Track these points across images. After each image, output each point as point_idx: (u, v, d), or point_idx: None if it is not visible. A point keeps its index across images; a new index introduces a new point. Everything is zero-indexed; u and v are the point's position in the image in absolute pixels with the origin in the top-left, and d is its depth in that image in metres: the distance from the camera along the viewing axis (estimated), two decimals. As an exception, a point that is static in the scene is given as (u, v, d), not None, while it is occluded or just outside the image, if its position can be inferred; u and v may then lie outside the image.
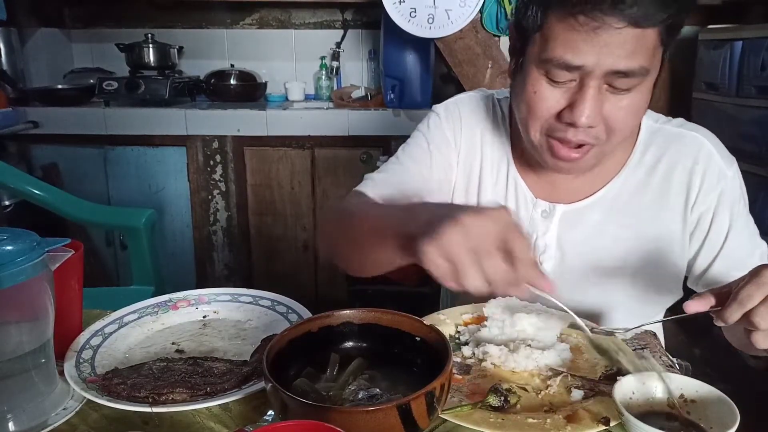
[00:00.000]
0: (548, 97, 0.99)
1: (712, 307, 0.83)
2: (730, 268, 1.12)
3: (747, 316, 0.78)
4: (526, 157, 1.18)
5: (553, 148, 1.03)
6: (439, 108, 1.28)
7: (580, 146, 1.01)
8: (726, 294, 0.81)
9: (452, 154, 1.25)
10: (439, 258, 0.75)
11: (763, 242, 1.16)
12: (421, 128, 1.28)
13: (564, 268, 1.18)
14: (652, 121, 1.17)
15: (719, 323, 0.81)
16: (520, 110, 1.05)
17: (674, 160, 1.13)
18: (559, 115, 0.99)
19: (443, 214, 0.76)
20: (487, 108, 1.26)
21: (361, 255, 1.06)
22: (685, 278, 1.20)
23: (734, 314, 0.79)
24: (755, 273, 0.79)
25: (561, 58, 0.93)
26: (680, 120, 1.19)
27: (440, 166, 1.23)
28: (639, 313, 1.16)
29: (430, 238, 0.75)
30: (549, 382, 0.87)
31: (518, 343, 0.94)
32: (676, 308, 1.21)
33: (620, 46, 0.90)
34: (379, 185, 1.19)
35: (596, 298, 1.16)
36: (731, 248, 1.12)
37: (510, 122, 1.22)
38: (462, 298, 1.26)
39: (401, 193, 1.17)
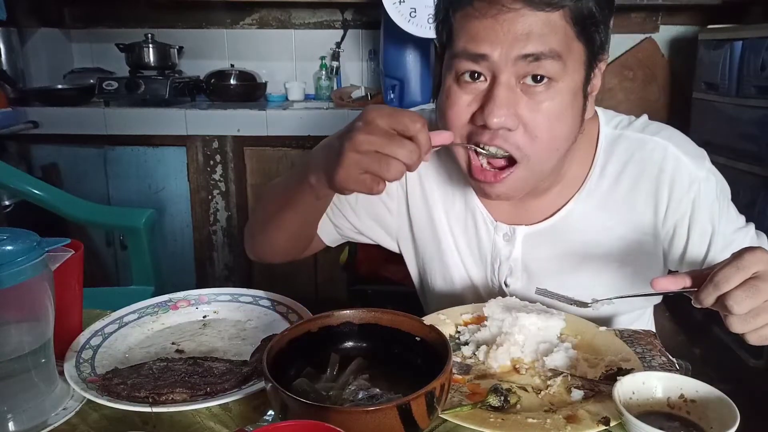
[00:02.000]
0: (459, 101, 0.95)
1: (685, 288, 0.82)
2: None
3: (722, 299, 0.77)
4: None
5: (472, 170, 0.98)
6: None
7: (502, 168, 0.96)
8: (705, 276, 0.80)
9: (395, 186, 1.20)
10: (357, 174, 0.83)
11: (750, 226, 1.12)
12: None
13: (532, 289, 1.12)
14: (611, 128, 1.11)
15: (696, 305, 0.80)
16: (440, 120, 1.01)
17: (639, 170, 1.07)
18: (473, 119, 0.94)
19: (333, 144, 0.85)
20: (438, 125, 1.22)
21: (278, 223, 1.12)
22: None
23: (709, 296, 0.78)
24: (736, 255, 0.78)
25: (464, 49, 0.91)
26: (642, 121, 1.12)
27: (373, 203, 1.21)
28: (617, 326, 1.15)
29: (338, 168, 0.83)
30: (549, 383, 0.87)
31: (503, 337, 0.94)
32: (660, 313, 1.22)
33: (524, 31, 0.87)
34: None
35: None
36: (719, 248, 1.08)
37: None
38: (432, 299, 1.26)
39: (335, 229, 1.24)
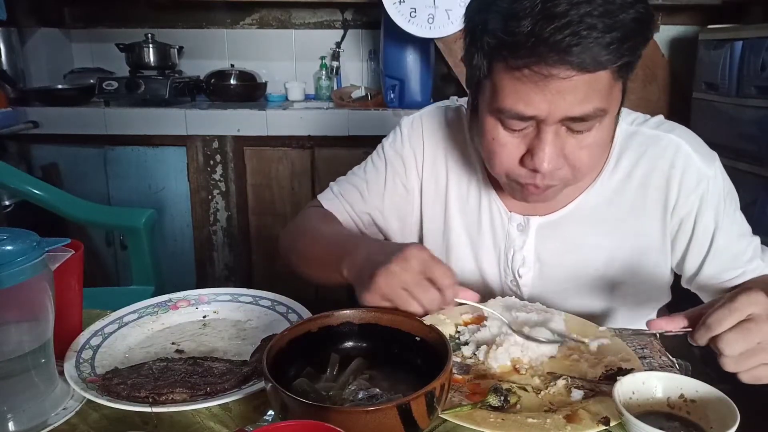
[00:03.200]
0: (507, 144, 0.98)
1: (683, 328, 0.83)
2: (722, 269, 1.11)
3: (714, 342, 0.78)
4: None
5: (522, 188, 1.03)
6: (404, 124, 1.28)
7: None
8: (700, 315, 0.81)
9: (412, 177, 1.26)
10: (379, 301, 0.90)
11: (756, 238, 1.14)
12: (384, 145, 1.29)
13: (544, 280, 1.17)
14: (627, 123, 1.14)
15: (692, 343, 0.81)
16: (482, 152, 1.05)
17: (651, 165, 1.10)
18: (521, 161, 0.98)
19: (373, 261, 0.91)
20: (455, 122, 1.25)
21: (309, 272, 1.20)
22: (680, 278, 1.20)
23: (703, 338, 0.79)
24: (731, 297, 0.78)
25: (512, 108, 0.92)
26: (657, 119, 1.15)
27: (395, 191, 1.27)
28: (624, 322, 1.16)
29: (367, 290, 0.90)
30: (549, 385, 0.87)
31: (503, 337, 0.94)
32: (669, 311, 1.22)
33: (572, 92, 0.88)
34: (334, 202, 1.30)
35: (579, 308, 1.14)
36: (721, 248, 1.10)
37: None
38: None
39: (350, 216, 1.28)
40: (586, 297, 1.16)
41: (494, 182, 1.18)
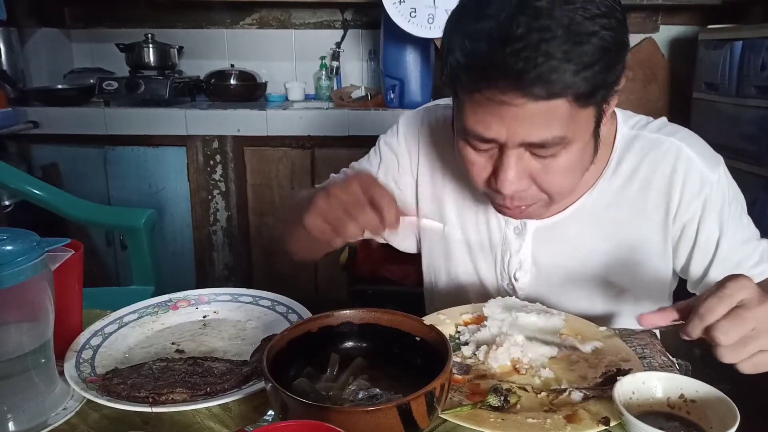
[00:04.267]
0: (475, 163, 0.97)
1: (674, 321, 0.81)
2: (726, 272, 1.10)
3: (708, 331, 0.75)
4: None
5: (497, 207, 1.03)
6: (402, 121, 1.28)
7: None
8: (691, 307, 0.78)
9: (405, 175, 1.26)
10: (318, 222, 0.90)
11: (763, 241, 1.12)
12: (381, 140, 1.30)
13: (541, 283, 1.16)
14: (628, 128, 1.12)
15: (685, 337, 0.78)
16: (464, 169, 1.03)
17: (652, 170, 1.08)
18: (488, 182, 0.98)
19: (318, 190, 0.93)
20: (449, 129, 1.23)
21: (290, 238, 1.23)
22: (684, 282, 1.19)
23: (696, 329, 0.76)
24: (719, 284, 0.76)
25: (473, 130, 0.92)
26: (660, 122, 1.13)
27: (386, 183, 1.23)
28: (623, 326, 1.15)
29: (307, 211, 0.91)
30: (549, 389, 0.87)
31: (503, 337, 0.94)
32: None
33: (528, 119, 0.86)
34: None
35: (577, 312, 1.11)
36: (726, 253, 1.08)
37: None
38: (444, 298, 1.27)
39: None
40: (584, 301, 1.15)
41: None
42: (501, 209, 1.03)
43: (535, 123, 0.86)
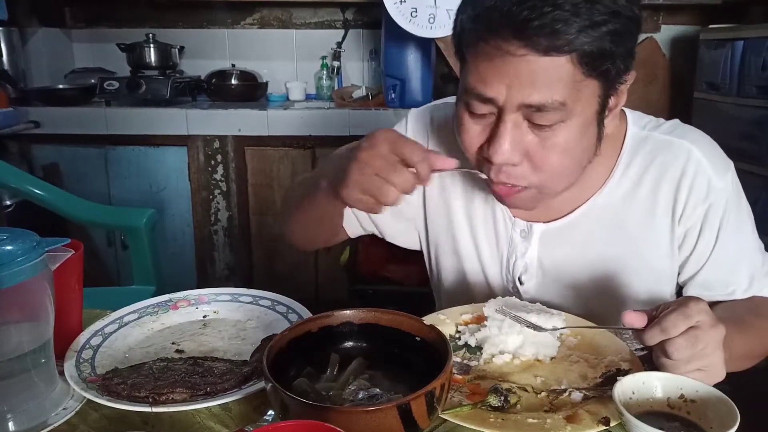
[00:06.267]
0: (469, 130, 0.96)
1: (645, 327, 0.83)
2: (712, 278, 1.10)
3: (662, 344, 0.80)
4: None
5: (490, 183, 0.99)
6: (410, 118, 1.25)
7: (514, 186, 0.97)
8: (653, 316, 0.82)
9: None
10: (358, 194, 0.88)
11: (760, 256, 1.12)
12: None
13: (547, 288, 1.15)
14: (638, 128, 1.10)
15: (639, 343, 0.83)
16: (458, 141, 1.02)
17: (661, 171, 1.06)
18: (480, 150, 0.96)
19: (342, 157, 0.90)
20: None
21: (301, 217, 1.19)
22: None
23: (654, 339, 0.80)
24: (682, 303, 0.80)
25: (474, 88, 0.90)
26: (672, 124, 1.11)
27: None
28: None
29: (343, 185, 0.88)
30: (549, 390, 0.87)
31: (504, 338, 0.95)
32: None
33: (529, 77, 0.85)
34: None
35: (585, 317, 1.12)
36: (716, 259, 1.08)
37: None
38: (452, 296, 1.27)
39: (357, 219, 1.25)
40: (590, 306, 1.13)
41: None
42: (495, 191, 1.00)
43: (535, 82, 0.85)
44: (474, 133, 0.95)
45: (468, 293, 1.23)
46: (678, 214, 1.07)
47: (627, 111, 1.11)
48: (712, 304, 1.07)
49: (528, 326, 0.93)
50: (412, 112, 1.26)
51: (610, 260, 1.11)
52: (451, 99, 1.21)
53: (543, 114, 0.87)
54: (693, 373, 0.80)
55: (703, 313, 0.79)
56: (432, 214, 1.24)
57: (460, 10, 0.92)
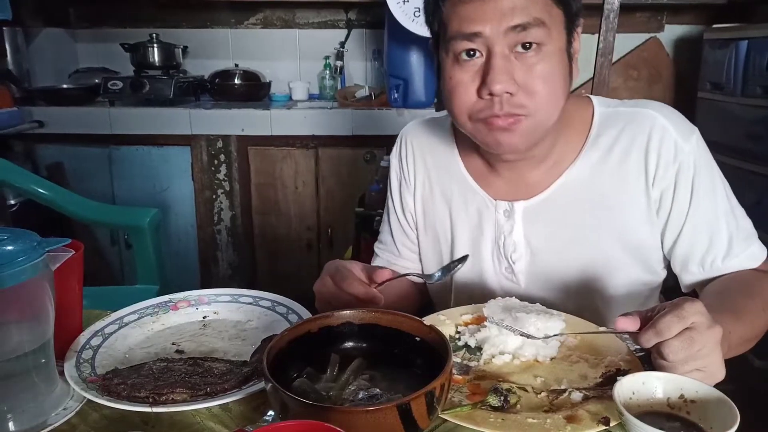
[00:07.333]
0: (463, 78, 1.04)
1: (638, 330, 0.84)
2: (692, 244, 1.12)
3: (658, 346, 0.81)
4: (479, 161, 1.22)
5: (488, 125, 1.05)
6: (393, 158, 1.37)
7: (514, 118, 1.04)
8: (647, 317, 0.83)
9: (409, 198, 1.34)
10: (323, 306, 1.05)
11: (743, 220, 1.13)
12: (389, 184, 1.39)
13: (537, 264, 1.19)
14: (604, 107, 1.17)
15: (635, 345, 0.84)
16: (447, 103, 1.10)
17: (629, 140, 1.12)
18: (479, 93, 1.03)
19: (323, 275, 1.05)
20: (431, 130, 1.32)
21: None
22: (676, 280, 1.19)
23: (650, 341, 0.81)
24: (677, 304, 0.81)
25: (459, 31, 1.00)
26: (635, 100, 1.19)
27: (408, 217, 1.35)
28: (626, 301, 1.15)
29: (317, 283, 1.06)
30: (549, 390, 0.87)
31: (504, 338, 0.95)
32: (667, 291, 1.22)
33: (510, 5, 0.97)
34: (378, 261, 1.41)
35: (577, 291, 1.16)
36: (695, 222, 1.11)
37: (455, 134, 1.27)
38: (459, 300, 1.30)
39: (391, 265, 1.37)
40: (583, 279, 1.16)
41: (476, 174, 1.22)
42: (493, 127, 1.05)
43: (516, 8, 0.97)
44: (468, 81, 1.03)
45: (466, 286, 1.26)
46: (651, 178, 1.11)
47: (592, 97, 1.21)
48: (701, 285, 1.12)
49: (521, 335, 0.94)
50: (393, 155, 1.37)
51: (591, 230, 1.15)
52: (416, 122, 1.37)
53: (528, 32, 0.98)
54: (691, 373, 0.81)
55: (699, 314, 0.80)
56: (421, 221, 1.33)
57: None
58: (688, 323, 0.79)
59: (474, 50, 1.01)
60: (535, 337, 0.94)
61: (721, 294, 1.08)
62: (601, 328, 1.00)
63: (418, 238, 1.35)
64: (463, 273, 1.25)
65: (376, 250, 1.42)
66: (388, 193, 1.38)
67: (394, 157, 1.36)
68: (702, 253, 1.12)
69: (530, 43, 0.99)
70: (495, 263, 1.22)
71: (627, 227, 1.14)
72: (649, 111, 1.13)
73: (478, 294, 1.23)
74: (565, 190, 1.15)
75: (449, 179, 1.26)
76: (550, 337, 0.95)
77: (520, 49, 1.00)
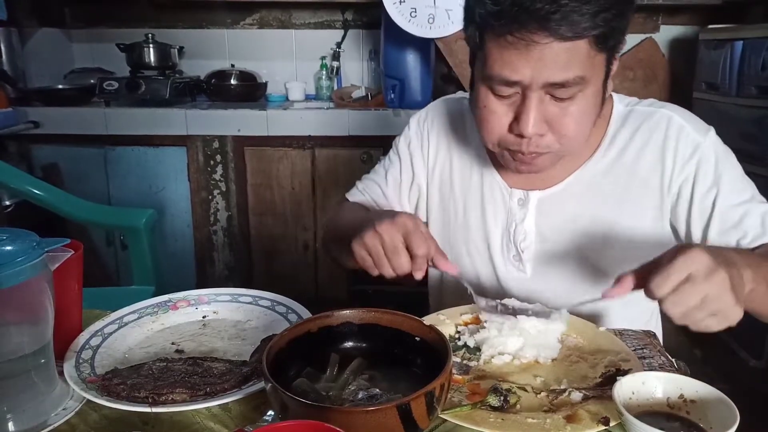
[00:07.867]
0: (496, 111, 1.04)
1: (634, 289, 0.84)
2: (725, 232, 1.11)
3: (660, 302, 0.80)
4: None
5: (513, 154, 1.07)
6: (413, 121, 1.39)
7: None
8: (649, 271, 0.82)
9: (420, 167, 1.36)
10: (362, 251, 0.99)
11: (763, 205, 1.13)
12: (398, 142, 1.40)
13: (546, 254, 1.21)
14: (623, 105, 1.20)
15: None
16: (476, 122, 1.11)
17: (645, 138, 1.15)
18: (510, 128, 1.04)
19: (369, 223, 0.99)
20: (458, 112, 1.33)
21: (341, 254, 1.26)
22: None
23: (651, 296, 0.80)
24: (669, 259, 0.80)
25: (499, 74, 0.99)
26: (650, 100, 1.21)
27: (408, 180, 1.37)
28: (633, 295, 1.15)
29: (357, 239, 0.99)
30: (549, 390, 0.87)
31: (503, 339, 0.95)
32: None
33: (553, 59, 0.94)
34: (360, 198, 1.41)
35: (584, 282, 1.18)
36: (723, 210, 1.11)
37: None
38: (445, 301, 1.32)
39: (373, 204, 1.39)
40: (591, 270, 1.18)
41: (495, 161, 1.24)
42: (517, 160, 1.07)
43: (558, 62, 0.94)
44: (501, 114, 1.04)
45: (472, 270, 1.29)
46: (667, 176, 1.14)
47: (613, 94, 1.22)
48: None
49: (514, 313, 0.96)
50: (413, 118, 1.40)
51: (602, 224, 1.17)
52: (446, 96, 1.39)
53: (566, 89, 0.98)
54: (705, 320, 0.79)
55: (695, 264, 0.78)
56: (435, 201, 1.35)
57: (477, 5, 0.98)
58: (683, 276, 0.78)
59: (510, 93, 1.01)
60: (528, 311, 0.96)
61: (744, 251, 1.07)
62: (602, 328, 1.00)
63: (427, 214, 1.37)
64: (474, 262, 1.28)
65: (357, 187, 1.43)
66: (393, 152, 1.41)
67: (414, 123, 1.38)
68: (737, 237, 1.11)
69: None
70: (504, 250, 1.25)
71: (638, 223, 1.16)
72: (665, 111, 1.16)
73: (484, 278, 1.27)
74: (580, 183, 1.18)
75: (470, 160, 1.29)
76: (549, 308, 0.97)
77: (555, 95, 0.99)
